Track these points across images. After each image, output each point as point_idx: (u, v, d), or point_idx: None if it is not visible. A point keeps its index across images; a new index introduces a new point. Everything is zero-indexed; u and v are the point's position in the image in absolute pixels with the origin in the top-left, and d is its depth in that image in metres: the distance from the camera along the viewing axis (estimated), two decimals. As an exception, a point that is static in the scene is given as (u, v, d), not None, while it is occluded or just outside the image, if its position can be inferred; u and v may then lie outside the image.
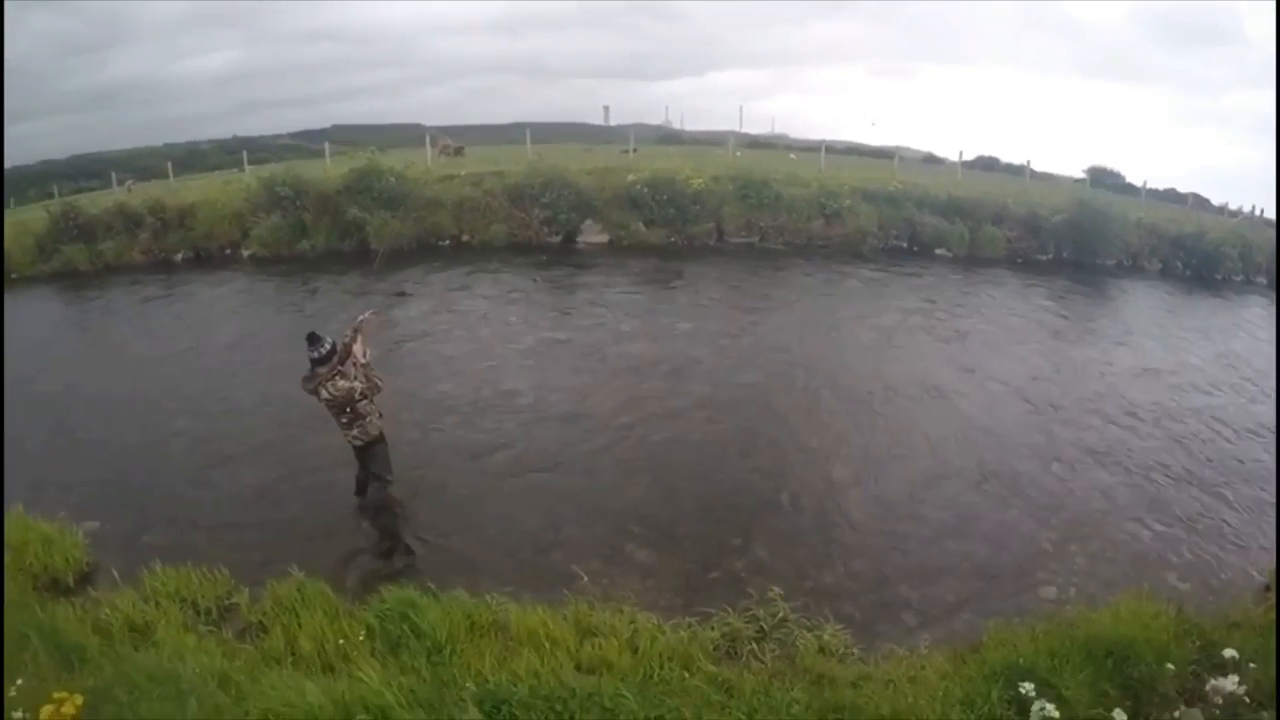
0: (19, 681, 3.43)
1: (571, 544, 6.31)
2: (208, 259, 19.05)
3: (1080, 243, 20.15)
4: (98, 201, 21.32)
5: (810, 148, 33.80)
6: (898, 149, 33.39)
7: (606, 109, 43.58)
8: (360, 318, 6.47)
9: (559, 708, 3.80)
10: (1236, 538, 6.79)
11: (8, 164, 29.76)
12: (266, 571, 5.56)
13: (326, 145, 26.09)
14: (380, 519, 6.74)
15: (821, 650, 4.88)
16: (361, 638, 4.66)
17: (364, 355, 6.31)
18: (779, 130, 51.25)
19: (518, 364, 10.66)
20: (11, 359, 10.61)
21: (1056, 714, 3.69)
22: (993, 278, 17.57)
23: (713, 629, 5.04)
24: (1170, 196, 31.93)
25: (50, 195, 25.99)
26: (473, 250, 18.66)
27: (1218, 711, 3.90)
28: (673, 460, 7.88)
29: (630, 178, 20.17)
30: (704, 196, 19.88)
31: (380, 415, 6.56)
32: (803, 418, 8.99)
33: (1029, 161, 28.82)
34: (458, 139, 29.72)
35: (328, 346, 6.17)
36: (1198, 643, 4.55)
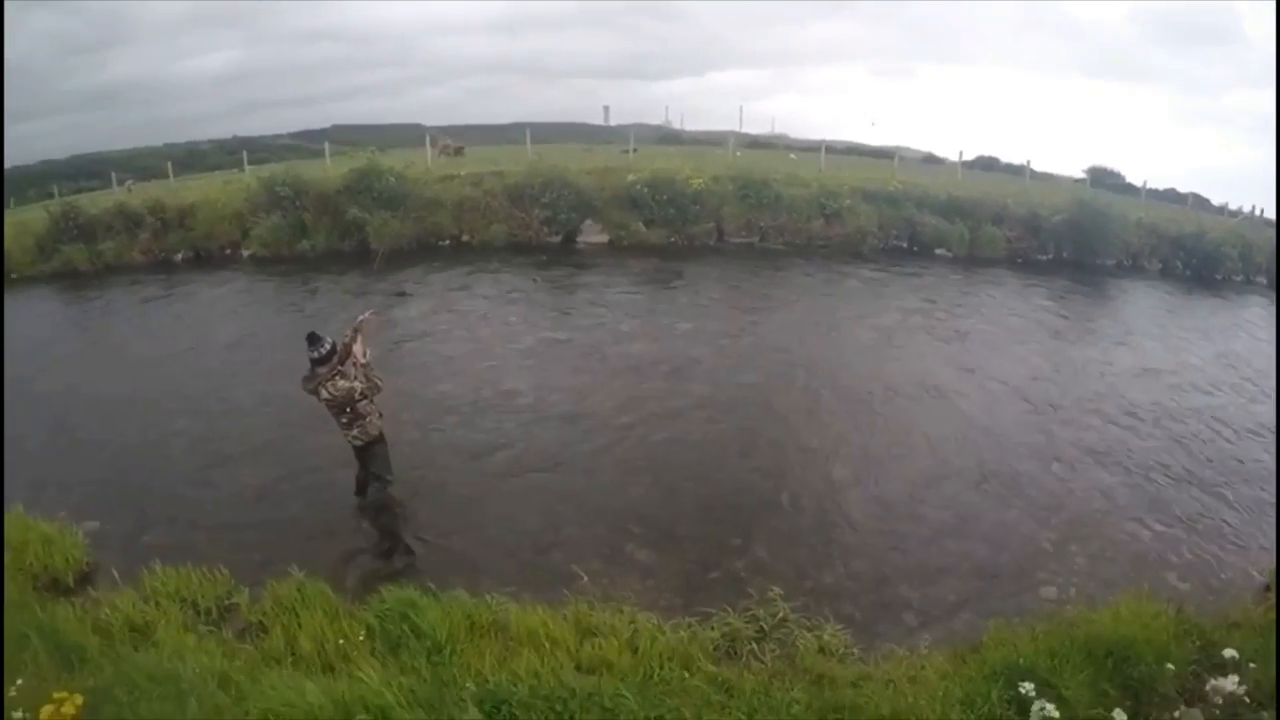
0: (19, 681, 3.43)
1: (571, 544, 6.31)
2: (208, 259, 19.05)
3: (1080, 243, 20.15)
4: (98, 201, 21.33)
5: (810, 148, 33.81)
6: (898, 149, 33.41)
7: (606, 109, 43.62)
8: (360, 318, 6.48)
9: (559, 708, 3.80)
10: (1236, 538, 6.79)
11: (8, 164, 29.77)
12: (266, 571, 5.56)
13: (326, 145, 26.09)
14: (380, 519, 6.74)
15: (821, 650, 4.88)
16: (361, 638, 4.66)
17: (364, 355, 6.31)
18: (779, 130, 51.29)
19: (518, 364, 10.66)
20: (12, 359, 10.61)
21: (1056, 714, 3.69)
22: (993, 278, 17.57)
23: (713, 629, 5.04)
24: (1170, 196, 31.93)
25: (50, 195, 25.99)
26: (473, 250, 18.66)
27: (1218, 711, 3.90)
28: (673, 460, 7.88)
29: (630, 178, 20.18)
30: (704, 196, 19.88)
31: (380, 415, 6.56)
32: (803, 418, 8.99)
33: (1029, 161, 28.89)
34: (458, 139, 29.73)
35: (328, 346, 6.17)
36: (1198, 643, 4.55)
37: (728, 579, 5.87)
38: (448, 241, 19.27)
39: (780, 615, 5.21)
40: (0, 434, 7.01)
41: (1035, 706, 3.75)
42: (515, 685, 4.01)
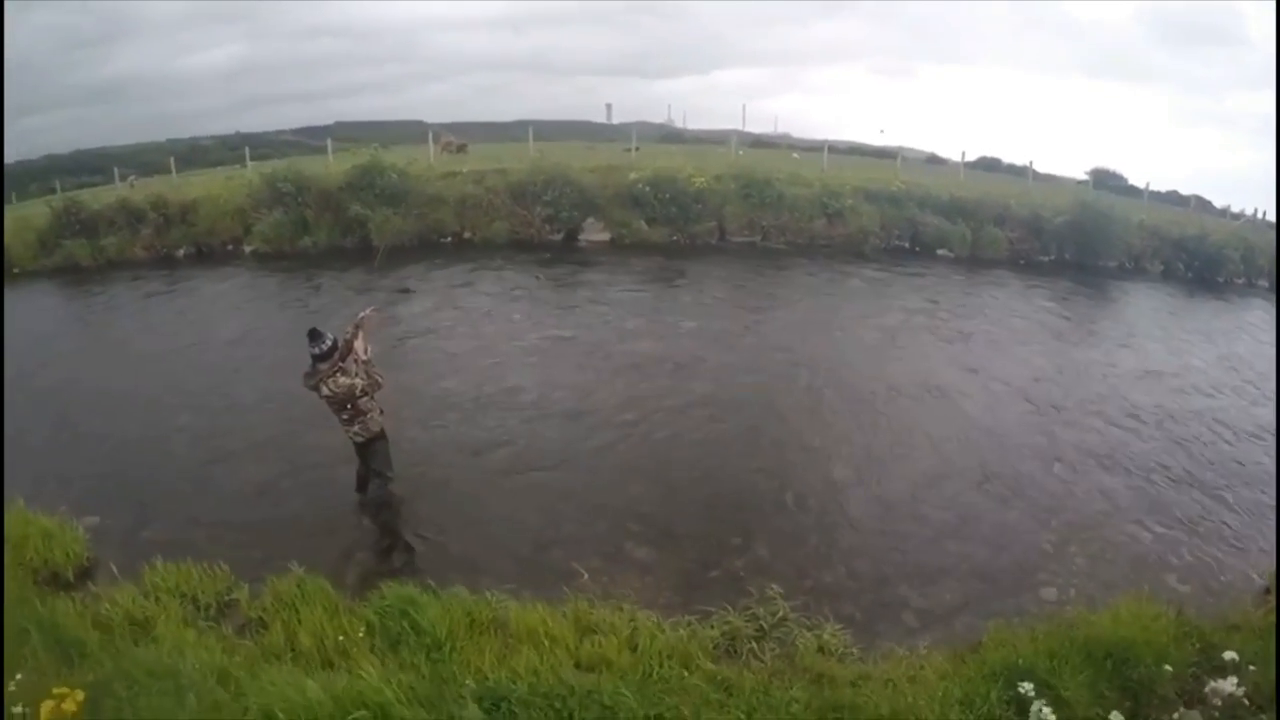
0: (18, 676, 3.43)
1: (572, 541, 6.31)
2: (209, 255, 19.04)
3: (1082, 244, 20.14)
4: (100, 197, 21.31)
5: (813, 147, 33.83)
6: (900, 149, 33.41)
7: (609, 107, 43.78)
8: (361, 314, 6.48)
9: (558, 705, 3.80)
10: (1237, 540, 6.79)
11: (11, 159, 29.82)
12: (267, 567, 5.56)
13: (329, 141, 26.09)
14: (381, 516, 6.75)
15: (821, 649, 4.89)
16: (361, 634, 4.66)
17: (365, 352, 6.31)
18: (782, 130, 51.34)
19: (521, 361, 10.66)
20: (13, 354, 10.62)
21: (1053, 716, 3.69)
22: (995, 278, 17.56)
23: (712, 627, 5.05)
24: (1172, 199, 31.92)
25: (52, 190, 25.98)
26: (475, 247, 18.66)
27: (1216, 714, 3.90)
28: (674, 458, 7.88)
29: (632, 176, 20.17)
30: (706, 195, 19.87)
31: (381, 412, 6.56)
32: (805, 417, 8.99)
33: (1031, 162, 28.96)
34: (460, 136, 29.70)
35: (329, 343, 6.16)
36: (1197, 645, 4.55)
37: (728, 578, 5.87)
38: (449, 239, 19.26)
39: (780, 614, 5.22)
40: (0, 429, 7.01)
41: (1035, 706, 3.75)
42: (515, 682, 4.01)
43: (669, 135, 46.03)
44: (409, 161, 21.09)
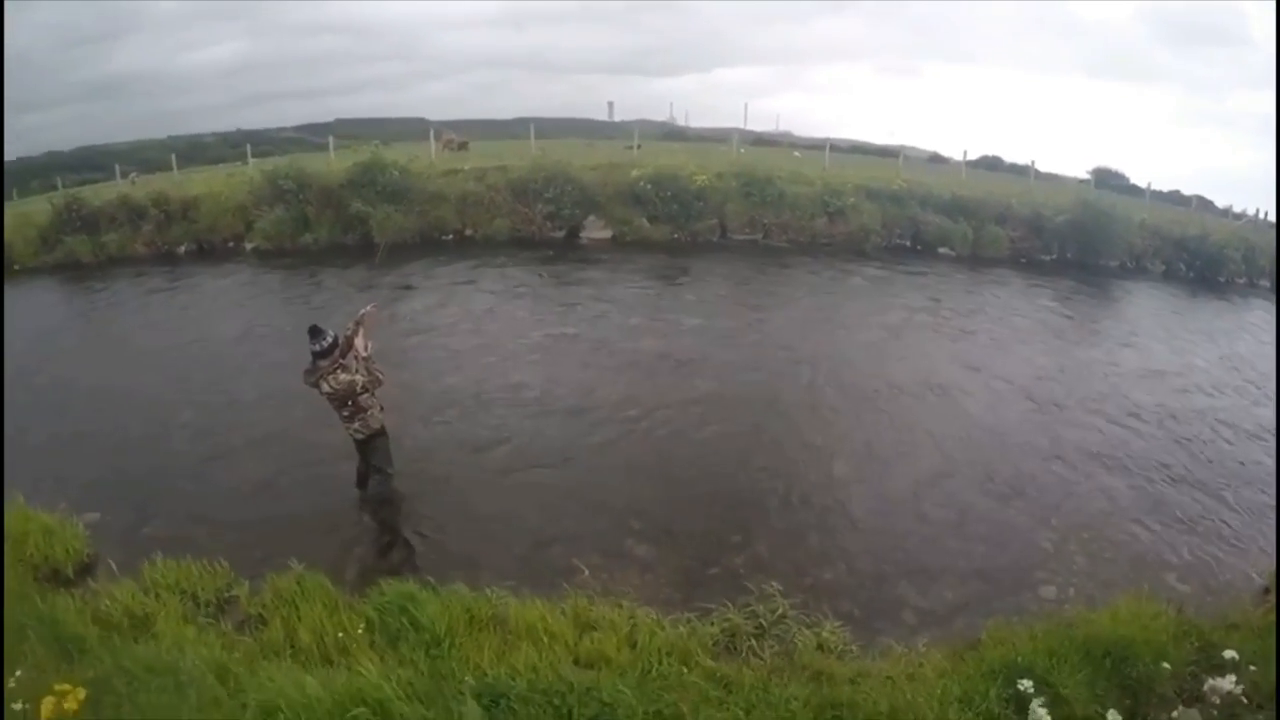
0: (18, 673, 3.44)
1: (572, 538, 6.31)
2: (210, 252, 19.05)
3: (1084, 243, 20.11)
4: (101, 193, 21.33)
5: (815, 145, 33.78)
6: (902, 148, 33.39)
7: (610, 105, 43.71)
8: (362, 311, 6.48)
9: (557, 702, 3.81)
10: (1236, 540, 6.79)
11: (12, 156, 29.84)
12: (266, 564, 5.57)
13: (330, 139, 26.10)
14: (381, 512, 6.75)
15: (820, 647, 4.89)
16: (361, 631, 4.67)
17: (365, 349, 6.31)
18: (783, 128, 51.19)
19: (524, 358, 10.67)
20: (14, 351, 10.62)
21: (1048, 716, 3.69)
22: (996, 277, 17.55)
23: (712, 624, 5.06)
24: (1174, 198, 31.85)
25: (54, 187, 26.00)
26: (476, 245, 18.67)
27: (1215, 712, 3.90)
28: (676, 456, 7.88)
29: (634, 174, 20.15)
30: (707, 193, 19.84)
31: (381, 409, 6.56)
32: (807, 415, 8.99)
33: (1033, 161, 28.79)
34: (461, 134, 29.69)
35: (329, 339, 6.16)
36: (1196, 644, 4.56)
37: (727, 575, 5.87)
38: (451, 236, 19.26)
39: (779, 612, 5.22)
40: (0, 426, 7.01)
41: (1035, 703, 3.75)
42: (514, 679, 4.02)
43: (670, 133, 46.01)
44: (410, 159, 21.08)
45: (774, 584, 5.50)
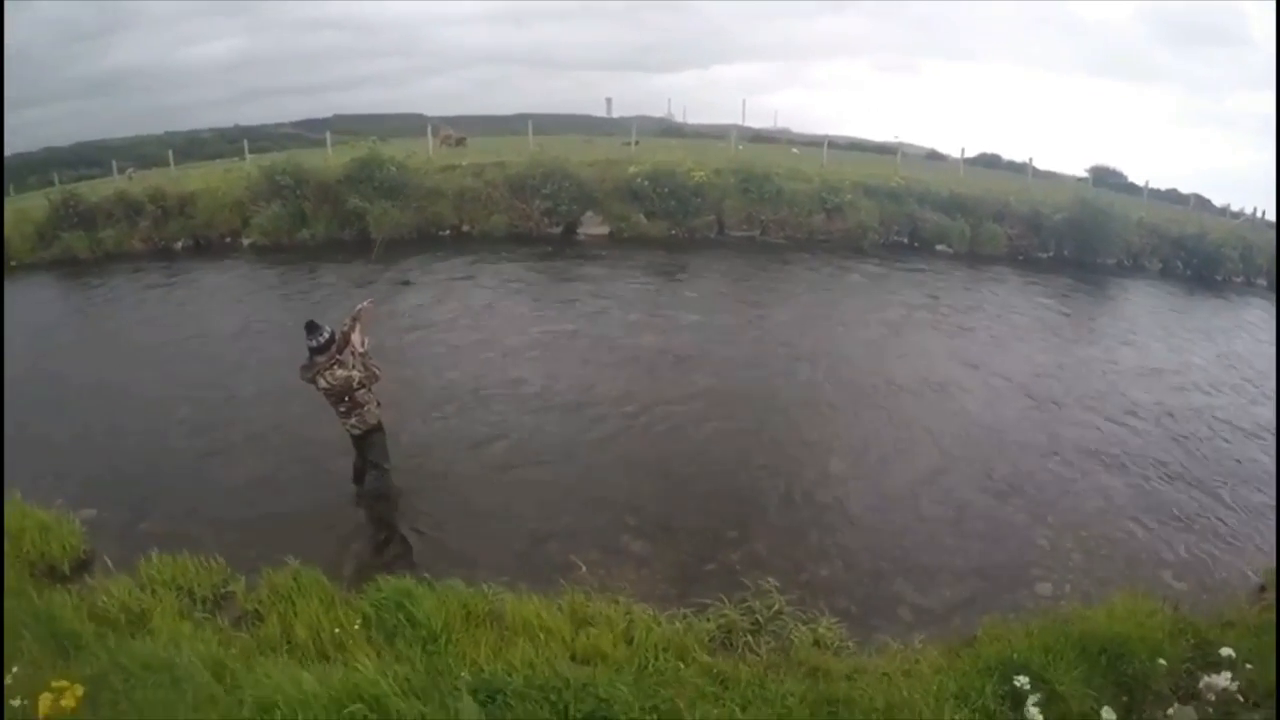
0: (14, 669, 3.43)
1: (569, 534, 6.31)
2: (208, 247, 19.02)
3: (1081, 241, 20.13)
4: (98, 189, 21.31)
5: (813, 142, 33.81)
6: (900, 145, 33.39)
7: (609, 101, 43.73)
8: (359, 306, 6.47)
9: (554, 698, 3.80)
10: (1233, 538, 6.80)
11: (9, 151, 29.74)
12: (263, 560, 5.56)
13: (328, 134, 26.05)
14: (378, 508, 6.74)
15: (816, 643, 4.90)
16: (357, 626, 4.66)
17: (362, 344, 6.30)
18: (782, 125, 51.36)
19: (524, 354, 10.66)
20: (12, 347, 10.58)
21: (1040, 716, 3.70)
22: (994, 275, 17.56)
23: (708, 620, 5.06)
24: (1172, 197, 31.90)
25: (51, 183, 25.94)
26: (474, 240, 18.65)
27: (1211, 710, 3.91)
28: (674, 452, 7.88)
29: (631, 170, 20.14)
30: (705, 189, 19.85)
31: (378, 404, 6.55)
32: (805, 411, 9.00)
33: (1031, 159, 28.79)
34: (460, 130, 29.70)
35: (326, 335, 6.15)
36: (1192, 641, 4.56)
37: (724, 571, 5.87)
38: (448, 232, 19.24)
39: (776, 608, 5.23)
40: (0, 422, 7.00)
41: (1032, 699, 3.76)
42: (510, 675, 4.01)
43: (668, 129, 46.04)
44: (408, 154, 21.07)
45: (771, 580, 5.51)
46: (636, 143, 27.17)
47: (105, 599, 4.98)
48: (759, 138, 39.50)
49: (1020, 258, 19.81)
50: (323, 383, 6.19)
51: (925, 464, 7.84)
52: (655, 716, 3.83)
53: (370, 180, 18.95)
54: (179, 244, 19.20)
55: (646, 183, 19.50)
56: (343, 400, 6.31)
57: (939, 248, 19.62)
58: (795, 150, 30.59)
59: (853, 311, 13.53)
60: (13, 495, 6.17)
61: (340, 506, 6.77)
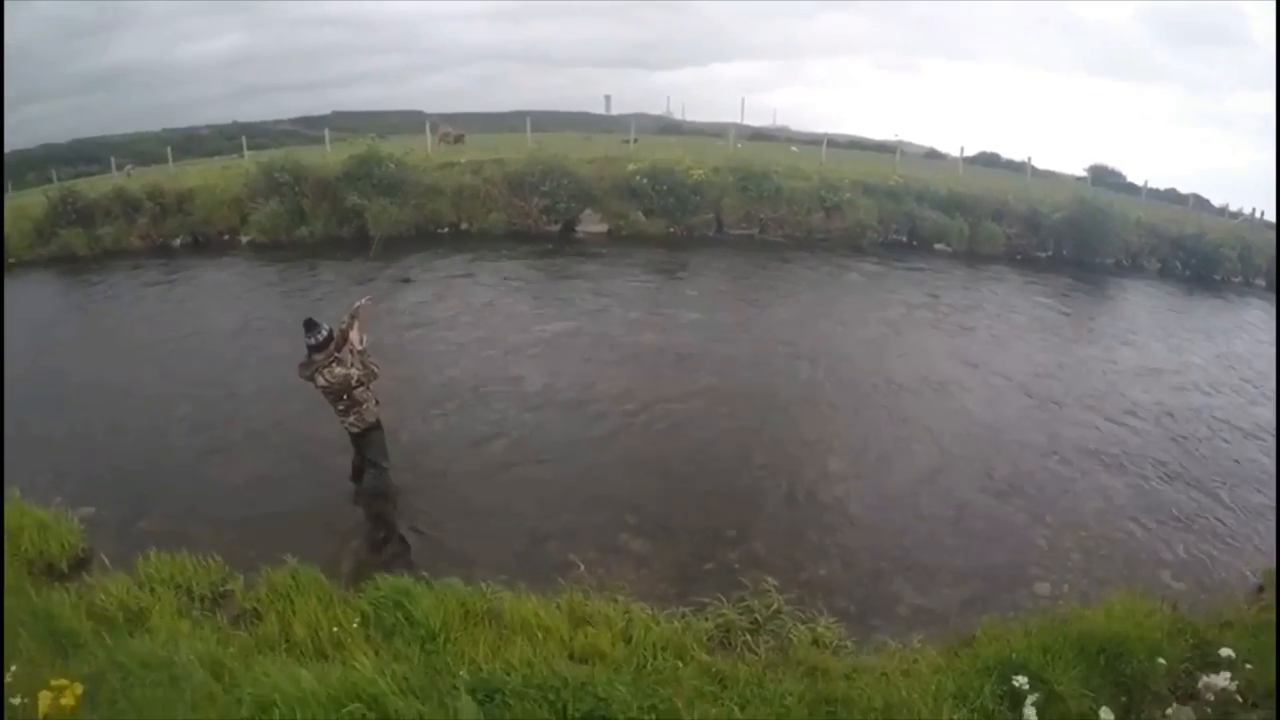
0: (13, 667, 3.42)
1: (568, 533, 6.31)
2: (206, 244, 19.00)
3: (1080, 241, 20.13)
4: (96, 186, 21.25)
5: (812, 141, 33.71)
6: (900, 143, 33.35)
7: (608, 98, 43.61)
8: (357, 304, 6.46)
9: (552, 697, 3.80)
10: (1231, 538, 6.80)
11: (8, 148, 29.65)
12: (262, 558, 5.55)
13: (326, 131, 26.01)
14: (376, 506, 6.74)
15: (815, 642, 4.90)
16: (355, 625, 4.66)
17: (360, 342, 6.30)
18: (781, 123, 51.16)
19: (525, 352, 10.65)
20: (11, 344, 10.54)
21: (1045, 712, 3.70)
22: (993, 274, 17.56)
23: (707, 620, 5.06)
24: (1171, 197, 31.88)
25: (49, 179, 25.89)
26: (472, 238, 18.64)
27: (1209, 710, 3.91)
28: (674, 450, 7.88)
29: (630, 167, 20.13)
30: (704, 187, 19.84)
31: (377, 402, 6.54)
32: (805, 410, 9.00)
33: (1030, 159, 28.78)
34: (459, 127, 29.64)
35: (325, 333, 6.14)
36: (1191, 641, 4.57)
37: (722, 570, 5.87)
38: (446, 229, 19.23)
39: (774, 607, 5.23)
40: (0, 421, 6.99)
41: (1030, 699, 3.76)
42: (509, 674, 4.01)
43: (667, 127, 45.93)
44: (406, 152, 21.06)
45: (769, 579, 5.51)
46: (635, 140, 27.13)
47: (104, 597, 4.97)
48: (758, 136, 39.40)
49: (1019, 257, 19.82)
50: (321, 380, 6.18)
51: (925, 463, 7.84)
52: (653, 716, 3.83)
53: (369, 177, 18.94)
54: (177, 241, 19.20)
55: (645, 180, 19.48)
56: (341, 398, 6.30)
57: (938, 246, 19.62)
58: (794, 148, 30.53)
59: (852, 310, 13.54)
60: (11, 493, 6.16)
61: (339, 505, 6.76)
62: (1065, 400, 9.80)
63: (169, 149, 28.12)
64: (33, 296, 15.13)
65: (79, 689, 3.06)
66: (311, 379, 6.22)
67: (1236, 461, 8.45)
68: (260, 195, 19.16)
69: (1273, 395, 10.45)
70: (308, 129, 42.47)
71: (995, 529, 6.73)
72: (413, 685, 3.83)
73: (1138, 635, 4.40)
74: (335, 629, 4.63)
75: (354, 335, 6.24)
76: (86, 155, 37.87)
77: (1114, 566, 6.19)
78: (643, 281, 14.85)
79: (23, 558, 5.53)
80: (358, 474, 6.86)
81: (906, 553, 6.28)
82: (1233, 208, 29.37)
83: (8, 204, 20.29)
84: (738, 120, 37.12)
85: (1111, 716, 3.73)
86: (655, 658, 4.50)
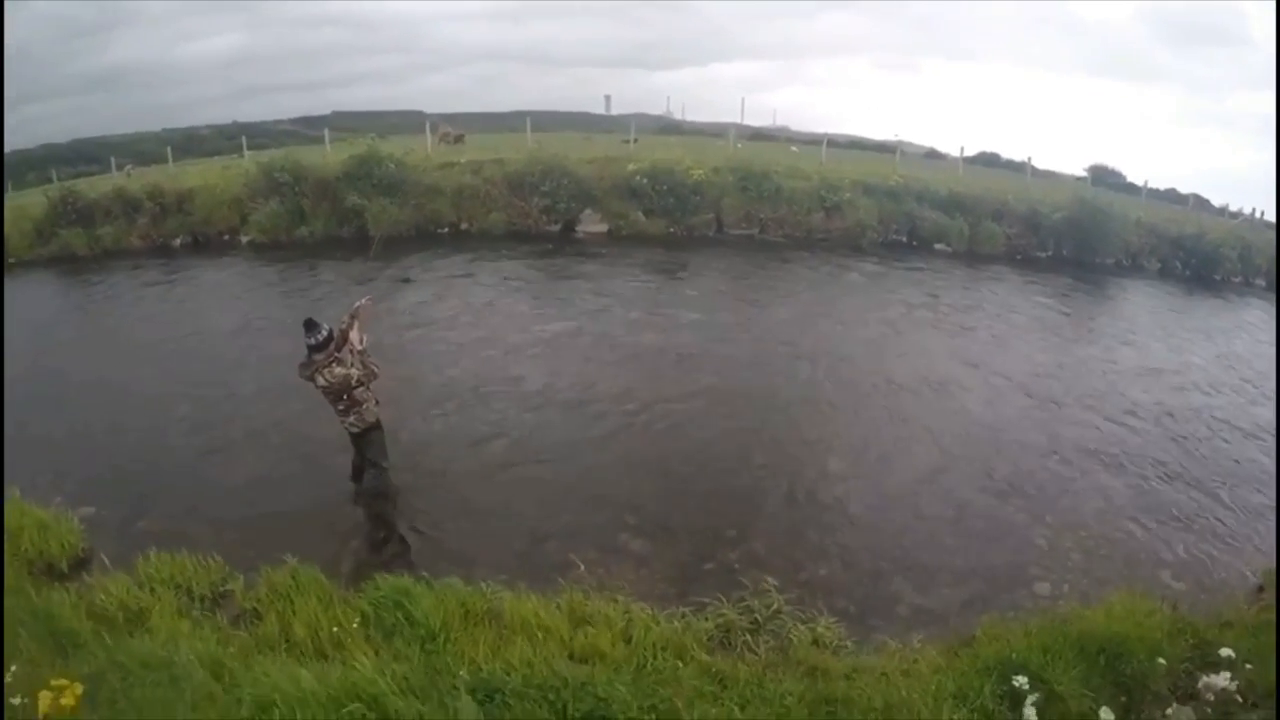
0: (13, 667, 3.42)
1: (568, 533, 6.31)
2: (206, 244, 19.00)
3: (1080, 241, 20.13)
4: (96, 186, 21.25)
5: (812, 141, 33.71)
6: (900, 143, 33.35)
7: (608, 98, 43.60)
8: (356, 304, 6.46)
9: (552, 697, 3.80)
10: (1231, 538, 6.80)
11: (8, 148, 29.65)
12: (262, 558, 5.55)
13: (326, 131, 26.02)
14: (376, 506, 6.73)
15: (815, 642, 4.90)
16: (355, 625, 4.66)
17: (360, 342, 6.30)
18: (781, 123, 51.16)
19: (525, 352, 10.65)
20: (11, 344, 10.54)
21: (1045, 712, 3.70)
22: (993, 274, 17.56)
23: (707, 620, 5.06)
24: (1171, 197, 31.87)
25: (49, 179, 25.89)
26: (472, 238, 18.64)
27: (1210, 710, 3.91)
28: (674, 450, 7.87)
29: (630, 167, 20.13)
30: (704, 187, 19.84)
31: (377, 402, 6.54)
32: (805, 410, 9.00)
33: (1030, 159, 28.79)
34: (458, 127, 29.63)
35: (324, 333, 6.14)
36: (1191, 641, 4.57)
37: (722, 570, 5.87)
38: (446, 229, 19.22)
39: (774, 607, 5.23)
40: (0, 420, 6.99)
41: (1030, 699, 3.76)
42: (509, 674, 4.01)
43: (667, 127, 45.93)
44: (406, 152, 21.06)
45: (769, 579, 5.51)
46: (635, 140, 27.13)
47: (104, 597, 4.97)
48: (758, 136, 39.40)
49: (1019, 257, 19.82)
50: (321, 380, 6.18)
51: (925, 463, 7.84)
52: (653, 716, 3.83)
53: (369, 177, 18.95)
54: (177, 241, 19.20)
55: (645, 180, 19.47)
56: (341, 398, 6.30)
57: (937, 246, 19.62)
58: (794, 148, 30.54)
59: (852, 310, 13.54)
60: (12, 493, 6.16)
61: (339, 505, 6.76)
62: (1065, 400, 9.80)
63: (169, 149, 28.13)
64: (33, 296, 15.13)
65: (79, 689, 3.06)
66: (311, 379, 6.22)
67: (1236, 461, 8.44)
68: (260, 195, 19.16)
69: (1273, 395, 10.45)
70: (308, 129, 42.49)
71: (995, 529, 6.73)
72: (413, 685, 3.83)
73: (1138, 635, 4.39)
74: (335, 629, 4.62)
75: (354, 335, 6.24)
76: (86, 155, 37.87)
77: (1114, 566, 6.19)
78: (643, 281, 14.85)
79: (23, 558, 5.52)
80: (358, 474, 6.86)
81: (906, 553, 6.28)
82: (1233, 208, 29.40)
83: (8, 204, 20.29)
84: (738, 120, 37.15)
85: (1111, 716, 3.72)
86: (655, 658, 4.50)
